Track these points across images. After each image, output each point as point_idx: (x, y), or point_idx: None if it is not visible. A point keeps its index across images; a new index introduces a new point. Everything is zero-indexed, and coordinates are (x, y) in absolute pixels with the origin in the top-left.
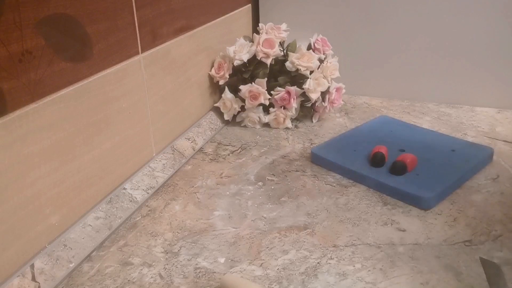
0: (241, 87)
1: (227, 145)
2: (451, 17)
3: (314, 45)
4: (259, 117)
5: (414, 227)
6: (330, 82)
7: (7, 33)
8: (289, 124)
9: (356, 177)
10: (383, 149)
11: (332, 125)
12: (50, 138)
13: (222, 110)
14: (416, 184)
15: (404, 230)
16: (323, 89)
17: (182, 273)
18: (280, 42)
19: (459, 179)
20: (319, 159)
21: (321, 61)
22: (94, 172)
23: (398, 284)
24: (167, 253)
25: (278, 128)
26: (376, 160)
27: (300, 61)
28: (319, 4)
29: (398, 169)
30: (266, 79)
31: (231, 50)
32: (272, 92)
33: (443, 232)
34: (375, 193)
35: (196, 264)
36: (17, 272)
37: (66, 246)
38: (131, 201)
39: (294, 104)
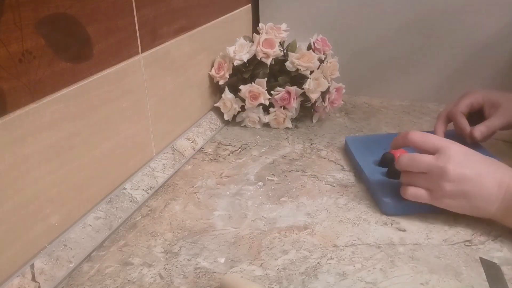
0: (241, 87)
1: (227, 145)
2: (451, 17)
3: (314, 45)
4: (259, 117)
5: (414, 227)
6: (330, 82)
7: (7, 33)
8: (289, 124)
9: (361, 174)
10: (400, 152)
11: (332, 125)
12: (50, 138)
13: (222, 110)
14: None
15: (404, 230)
16: (323, 89)
17: (182, 273)
18: (280, 42)
19: None
20: (347, 148)
21: (321, 61)
22: (94, 172)
23: (398, 284)
24: (167, 253)
25: (278, 128)
26: (384, 161)
27: (300, 61)
28: (319, 4)
29: (395, 174)
30: (266, 79)
31: (231, 50)
32: (272, 92)
33: (443, 232)
34: (375, 192)
35: (196, 264)
36: (17, 272)
37: (66, 246)
38: (131, 201)
39: (294, 104)
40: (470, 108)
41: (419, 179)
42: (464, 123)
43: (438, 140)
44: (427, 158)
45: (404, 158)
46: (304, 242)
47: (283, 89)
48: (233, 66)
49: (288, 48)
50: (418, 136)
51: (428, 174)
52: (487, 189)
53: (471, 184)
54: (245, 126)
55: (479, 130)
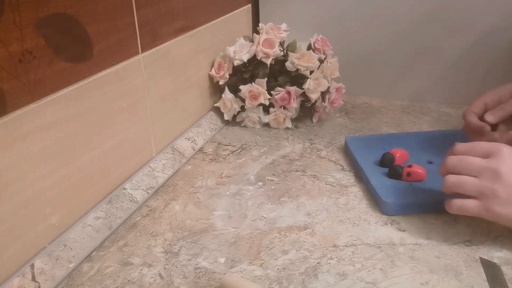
0: (241, 87)
1: (227, 145)
2: (451, 17)
3: (314, 45)
4: (259, 117)
5: (414, 227)
6: (330, 82)
7: (7, 33)
8: (289, 124)
9: (361, 174)
10: (400, 152)
11: (332, 125)
12: (50, 138)
13: (222, 110)
14: (391, 191)
15: (404, 230)
16: (323, 89)
17: (182, 273)
18: (280, 42)
19: None
20: (347, 148)
21: (321, 61)
22: (94, 172)
23: (398, 284)
24: (167, 253)
25: (278, 128)
26: (384, 161)
27: (300, 61)
28: (319, 4)
29: (395, 174)
30: (266, 79)
31: (231, 50)
32: (272, 92)
33: (443, 232)
34: (375, 192)
35: (196, 264)
36: (17, 272)
37: (66, 246)
38: (131, 201)
39: (294, 104)
40: (484, 107)
41: (468, 183)
42: (474, 120)
43: (486, 144)
44: (477, 160)
45: (452, 159)
46: (304, 242)
47: (283, 89)
48: (233, 66)
49: (288, 48)
50: (462, 146)
51: (479, 177)
52: None
53: None
54: (245, 126)
55: (490, 113)
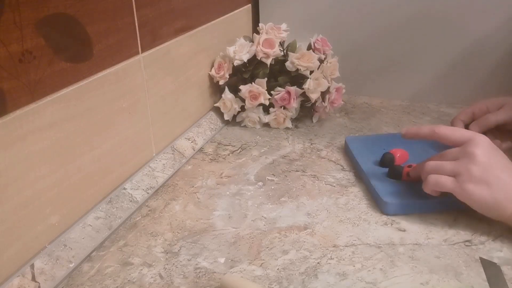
0: (241, 87)
1: (227, 145)
2: (452, 17)
3: (314, 45)
4: (259, 117)
5: (414, 227)
6: (330, 82)
7: (7, 33)
8: (289, 124)
9: (361, 174)
10: (400, 152)
11: (332, 125)
12: (50, 138)
13: (222, 110)
14: (392, 191)
15: (404, 230)
16: (323, 89)
17: (182, 273)
18: (280, 42)
19: None
20: (347, 148)
21: (321, 61)
22: (94, 172)
23: (398, 284)
24: (167, 253)
25: (278, 128)
26: (384, 161)
27: (300, 61)
28: (319, 4)
29: (395, 174)
30: (266, 79)
31: (231, 50)
32: (272, 92)
33: (443, 232)
34: (375, 192)
35: (196, 264)
36: (17, 272)
37: (66, 246)
38: (131, 201)
39: (294, 104)
40: (472, 116)
41: (445, 164)
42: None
43: (466, 132)
44: (455, 149)
45: (434, 156)
46: (304, 242)
47: (283, 89)
48: (233, 66)
49: (288, 48)
50: (445, 128)
51: (456, 160)
52: (510, 186)
53: (496, 175)
54: (245, 126)
55: (475, 123)
